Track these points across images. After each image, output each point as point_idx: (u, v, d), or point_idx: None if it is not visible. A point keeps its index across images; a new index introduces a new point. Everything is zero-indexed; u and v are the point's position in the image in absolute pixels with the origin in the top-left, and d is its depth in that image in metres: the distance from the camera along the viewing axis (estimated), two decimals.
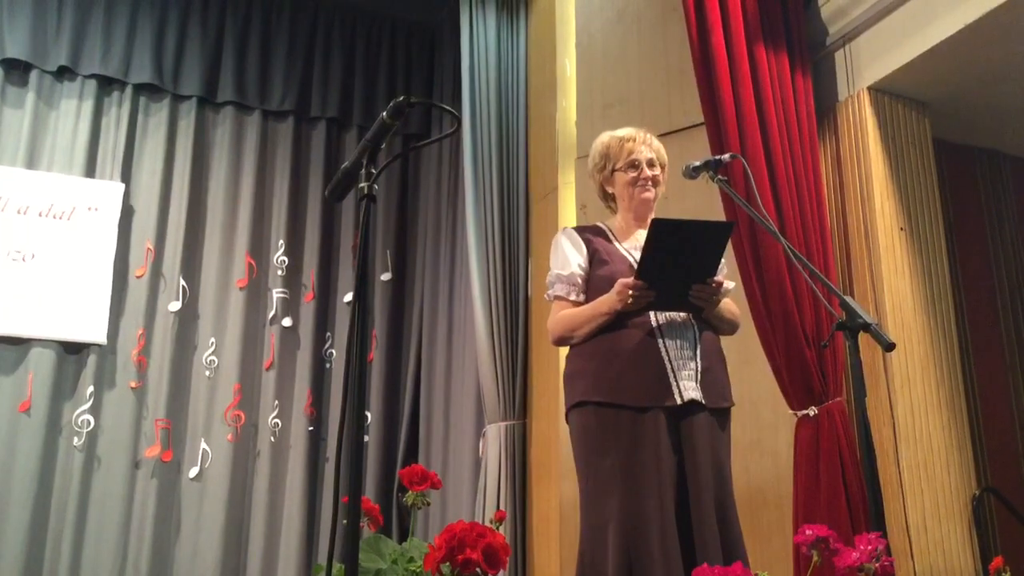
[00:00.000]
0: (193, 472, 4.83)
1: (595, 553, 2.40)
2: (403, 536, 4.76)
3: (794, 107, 3.55)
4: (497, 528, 1.87)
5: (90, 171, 4.98)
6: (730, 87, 3.43)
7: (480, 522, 4.14)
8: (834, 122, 3.73)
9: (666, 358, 2.47)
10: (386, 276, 5.57)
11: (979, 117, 3.98)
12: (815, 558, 1.68)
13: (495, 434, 4.25)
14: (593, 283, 2.62)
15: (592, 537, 2.43)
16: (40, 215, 4.83)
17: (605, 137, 2.77)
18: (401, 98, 1.71)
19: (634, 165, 2.69)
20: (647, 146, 2.71)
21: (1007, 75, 3.62)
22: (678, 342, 2.50)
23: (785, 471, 3.31)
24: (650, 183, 2.69)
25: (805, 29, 3.73)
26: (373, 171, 1.72)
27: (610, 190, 2.77)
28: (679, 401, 2.43)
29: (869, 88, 3.63)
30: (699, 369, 2.49)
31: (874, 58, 3.62)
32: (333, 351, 5.36)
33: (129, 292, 4.94)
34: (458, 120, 1.94)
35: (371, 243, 1.64)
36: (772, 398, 3.37)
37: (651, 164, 2.70)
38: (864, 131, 3.59)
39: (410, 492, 2.03)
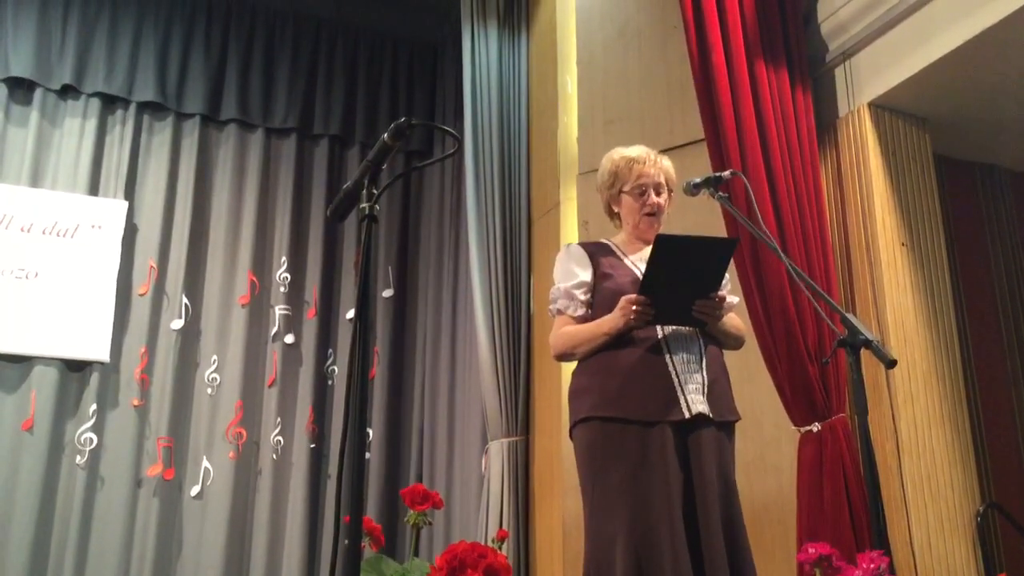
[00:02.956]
0: (195, 490, 4.82)
1: (602, 571, 2.38)
2: None
3: (795, 123, 3.56)
4: (499, 548, 1.87)
5: (94, 189, 4.99)
6: (731, 103, 3.44)
7: (483, 539, 4.13)
8: (835, 138, 3.74)
9: (673, 372, 2.47)
10: (388, 293, 5.57)
11: (979, 132, 3.98)
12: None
13: (498, 450, 4.25)
14: (599, 297, 2.62)
15: (599, 554, 2.40)
16: (44, 233, 4.84)
17: (615, 155, 2.75)
18: (402, 120, 1.72)
19: (642, 191, 2.68)
20: (656, 168, 2.70)
21: (1006, 90, 3.63)
22: (684, 355, 2.49)
23: (788, 487, 3.31)
24: (656, 210, 2.69)
25: (805, 45, 3.75)
26: (375, 191, 1.73)
27: (616, 209, 2.77)
28: (687, 415, 2.43)
29: (869, 104, 3.64)
30: (705, 382, 2.49)
31: (874, 74, 3.63)
32: (335, 368, 5.36)
33: (132, 310, 4.95)
34: (458, 141, 1.95)
35: (372, 263, 1.64)
36: (775, 414, 3.37)
37: (658, 189, 2.69)
38: (865, 147, 3.60)
39: (411, 512, 2.02)
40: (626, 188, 2.70)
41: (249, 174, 5.39)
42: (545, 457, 4.12)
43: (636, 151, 2.73)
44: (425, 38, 5.98)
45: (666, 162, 2.75)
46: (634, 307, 2.44)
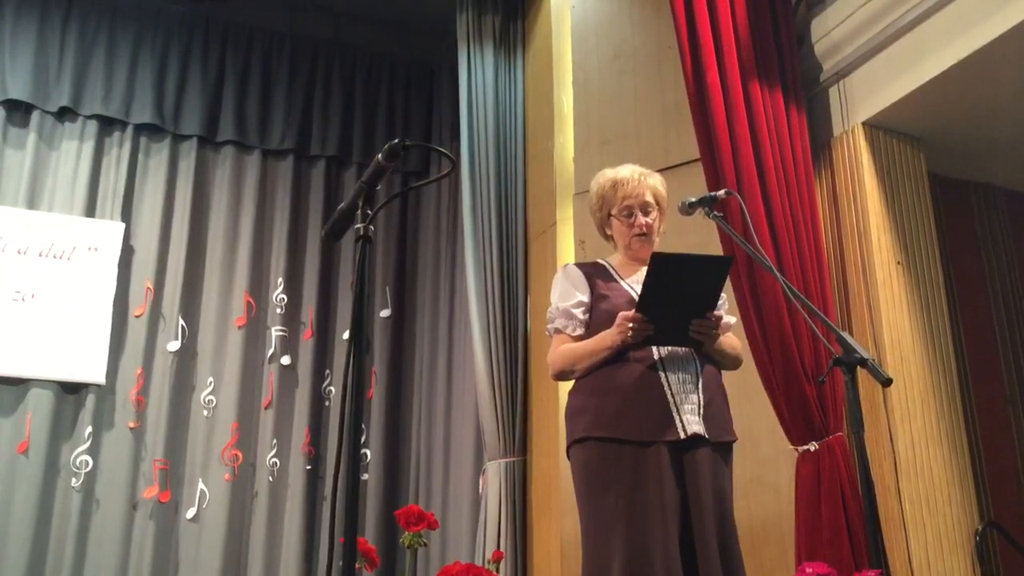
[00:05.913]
0: (191, 513, 4.80)
1: None
2: None
3: (789, 143, 3.57)
4: (495, 569, 1.85)
5: (90, 211, 5.00)
6: (725, 123, 3.45)
7: (480, 560, 4.10)
8: (829, 157, 3.75)
9: (668, 392, 2.46)
10: (386, 313, 5.57)
11: (973, 151, 4.00)
12: None
13: (495, 471, 4.23)
14: (595, 317, 2.61)
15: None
16: (40, 255, 4.84)
17: (602, 178, 2.75)
18: (396, 140, 1.72)
19: (629, 213, 2.68)
20: (643, 188, 2.68)
21: (998, 109, 3.64)
22: (680, 375, 2.49)
23: (786, 507, 3.29)
24: (645, 230, 2.68)
25: (799, 66, 3.76)
26: (369, 212, 1.73)
27: (608, 231, 2.77)
28: (682, 435, 2.42)
29: (864, 123, 3.65)
30: (701, 403, 2.48)
31: (868, 94, 3.64)
32: (332, 389, 5.34)
33: (128, 332, 4.94)
34: (453, 161, 1.96)
35: (367, 283, 1.64)
36: (772, 433, 3.36)
37: (646, 209, 2.68)
38: (859, 166, 3.61)
39: (406, 533, 2.01)
40: (614, 211, 2.70)
41: (246, 195, 5.40)
42: (543, 478, 4.10)
43: (622, 172, 2.72)
44: (422, 59, 6.01)
45: (653, 180, 2.73)
46: (631, 324, 2.44)
